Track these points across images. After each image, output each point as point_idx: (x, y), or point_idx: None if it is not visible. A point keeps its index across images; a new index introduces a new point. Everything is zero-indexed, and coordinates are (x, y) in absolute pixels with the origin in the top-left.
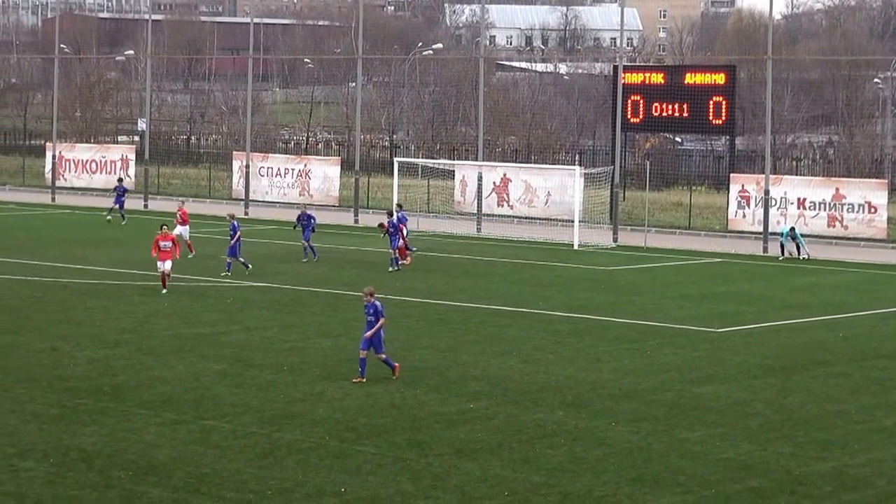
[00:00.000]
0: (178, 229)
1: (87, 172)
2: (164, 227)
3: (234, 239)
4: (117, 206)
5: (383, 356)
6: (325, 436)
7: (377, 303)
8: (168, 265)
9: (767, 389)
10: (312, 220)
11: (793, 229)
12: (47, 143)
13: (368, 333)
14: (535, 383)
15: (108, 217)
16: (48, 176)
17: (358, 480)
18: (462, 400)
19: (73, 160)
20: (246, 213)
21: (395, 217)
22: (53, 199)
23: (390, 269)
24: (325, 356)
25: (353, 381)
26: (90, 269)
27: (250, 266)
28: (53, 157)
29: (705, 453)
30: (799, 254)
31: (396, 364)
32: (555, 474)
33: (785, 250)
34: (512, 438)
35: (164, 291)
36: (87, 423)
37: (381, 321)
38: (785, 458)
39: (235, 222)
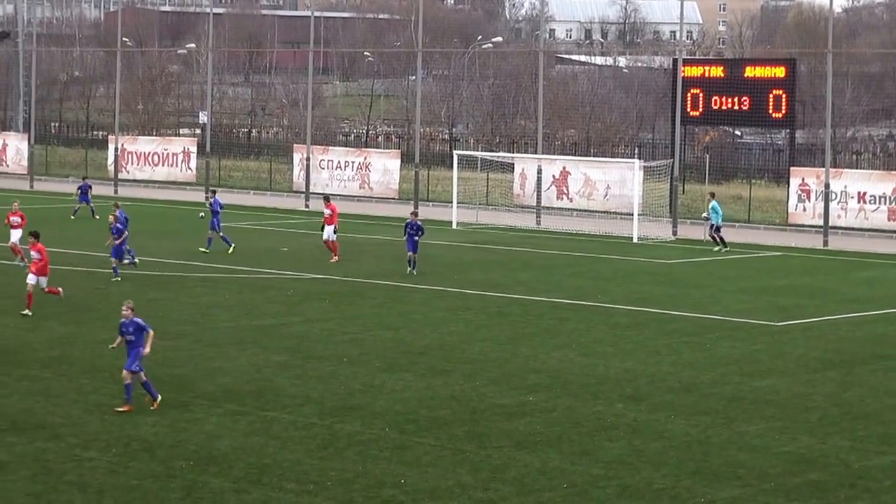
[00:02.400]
0: (15, 235)
1: (150, 165)
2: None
3: (119, 239)
4: (84, 202)
5: (135, 370)
6: (385, 427)
7: (138, 319)
8: (32, 279)
9: (827, 383)
10: (126, 220)
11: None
12: (110, 136)
13: (145, 350)
14: (595, 376)
15: (73, 216)
16: (111, 168)
17: (417, 472)
18: (521, 392)
19: (136, 153)
20: (307, 206)
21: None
22: (116, 192)
23: (409, 270)
24: (385, 348)
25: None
26: (152, 261)
27: (136, 261)
28: (116, 149)
29: (764, 447)
30: (716, 241)
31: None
32: (614, 467)
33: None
34: (571, 431)
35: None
36: (149, 414)
37: (151, 334)
38: (844, 451)
39: (118, 225)
